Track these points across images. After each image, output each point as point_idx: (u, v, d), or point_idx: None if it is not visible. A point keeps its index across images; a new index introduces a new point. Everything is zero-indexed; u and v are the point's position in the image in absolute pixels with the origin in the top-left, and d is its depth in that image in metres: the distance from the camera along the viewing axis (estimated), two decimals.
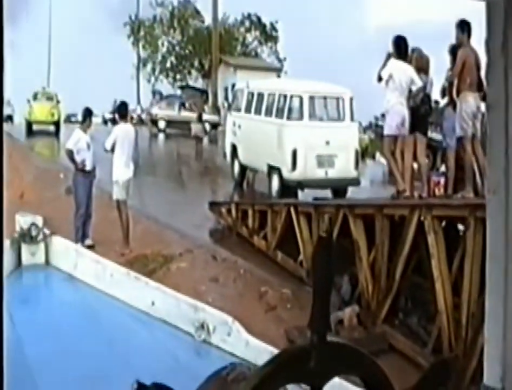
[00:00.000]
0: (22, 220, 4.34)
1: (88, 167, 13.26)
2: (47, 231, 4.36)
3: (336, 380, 1.65)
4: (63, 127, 36.84)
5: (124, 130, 13.35)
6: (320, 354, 1.48)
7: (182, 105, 41.06)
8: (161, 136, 37.51)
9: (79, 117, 18.67)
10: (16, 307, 3.92)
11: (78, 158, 13.24)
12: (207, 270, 11.87)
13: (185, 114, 38.65)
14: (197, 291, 9.58)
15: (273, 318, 10.44)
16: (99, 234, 13.19)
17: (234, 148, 20.74)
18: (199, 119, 28.77)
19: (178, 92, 56.24)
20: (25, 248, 4.29)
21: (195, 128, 28.06)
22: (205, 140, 29.57)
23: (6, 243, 4.26)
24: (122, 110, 14.36)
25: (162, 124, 38.97)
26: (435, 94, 11.73)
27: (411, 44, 11.06)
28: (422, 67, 10.91)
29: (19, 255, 4.31)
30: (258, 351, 3.29)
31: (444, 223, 9.24)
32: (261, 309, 10.61)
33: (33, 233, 4.33)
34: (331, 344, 1.54)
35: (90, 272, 4.11)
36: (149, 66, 62.96)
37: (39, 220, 4.38)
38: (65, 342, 3.41)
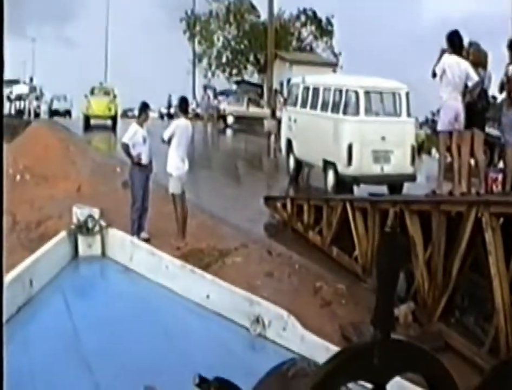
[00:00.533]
0: (79, 212, 4.36)
1: (144, 161, 13.35)
2: (103, 223, 4.36)
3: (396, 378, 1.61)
4: (119, 121, 37.23)
5: (183, 125, 13.43)
6: (383, 351, 1.44)
7: (249, 100, 41.46)
8: (229, 131, 37.67)
9: (136, 112, 18.91)
10: (72, 298, 3.94)
11: (133, 152, 13.36)
12: (261, 264, 11.85)
13: (254, 110, 39.00)
14: (252, 285, 9.56)
15: (328, 313, 10.39)
16: (155, 228, 13.27)
17: (289, 143, 20.73)
18: (273, 115, 28.81)
19: (234, 87, 56.48)
20: (81, 240, 4.31)
21: (268, 124, 28.10)
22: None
23: (63, 234, 4.30)
24: (183, 105, 14.42)
25: (230, 119, 39.23)
26: (494, 89, 11.53)
27: (469, 38, 10.91)
28: (480, 61, 10.72)
29: (76, 246, 4.32)
30: (314, 347, 3.25)
31: (501, 220, 9.07)
32: (316, 304, 10.57)
33: (90, 225, 4.34)
34: (395, 341, 1.50)
35: (145, 264, 4.11)
36: (205, 61, 63.35)
37: (95, 212, 4.39)
38: (121, 333, 3.41)
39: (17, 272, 3.79)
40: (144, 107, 14.21)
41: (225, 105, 41.01)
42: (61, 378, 3.06)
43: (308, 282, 11.34)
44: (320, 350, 3.11)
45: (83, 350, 3.21)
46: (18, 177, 23.60)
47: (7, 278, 3.70)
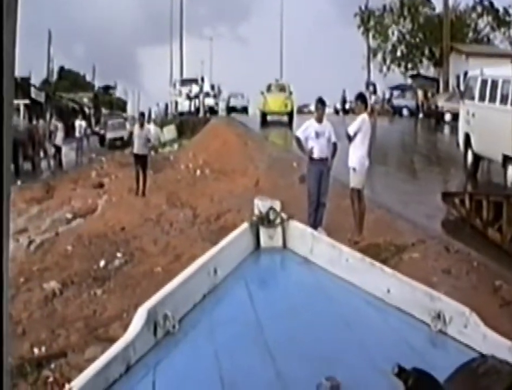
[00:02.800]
0: (261, 204, 4.46)
1: (315, 155, 13.45)
2: (284, 215, 4.44)
3: None
4: (295, 117, 37.59)
5: (367, 120, 13.41)
6: None
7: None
8: (446, 128, 37.04)
9: (311, 108, 18.96)
10: (254, 287, 4.04)
11: (306, 146, 13.52)
12: (439, 261, 11.63)
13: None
14: (429, 282, 9.39)
15: (508, 313, 10.05)
16: (332, 222, 13.32)
17: (467, 137, 20.21)
18: None
19: (409, 81, 55.68)
20: (263, 232, 4.41)
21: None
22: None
23: (245, 225, 4.41)
24: (363, 100, 14.38)
25: (448, 117, 38.56)
26: None
27: None
28: None
29: (258, 238, 4.43)
30: (497, 346, 3.16)
31: None
32: (495, 304, 10.24)
33: (271, 217, 4.43)
34: None
35: (325, 257, 4.15)
36: (379, 56, 62.79)
37: (277, 205, 4.48)
38: (302, 323, 3.46)
39: (202, 260, 3.93)
40: (319, 102, 14.29)
41: (442, 103, 40.42)
42: (245, 364, 3.14)
43: (487, 280, 11.02)
44: (503, 350, 3.02)
45: (265, 339, 3.28)
46: (198, 172, 24.39)
47: (193, 267, 3.85)
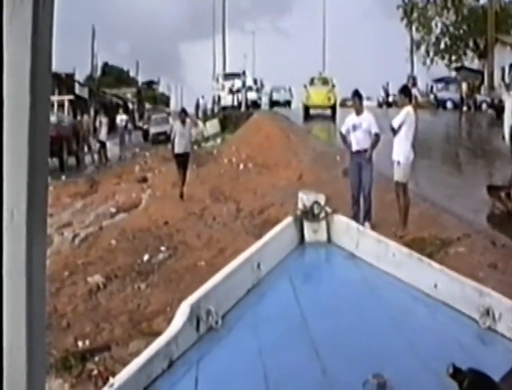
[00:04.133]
0: (305, 198, 4.42)
1: (352, 148, 13.46)
2: (329, 209, 4.39)
3: None
4: (338, 110, 37.43)
5: (412, 113, 13.27)
6: None
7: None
8: None
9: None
10: (299, 282, 4.00)
11: (347, 139, 13.58)
12: (485, 255, 11.46)
13: None
14: (476, 276, 9.25)
15: None
16: (376, 216, 13.22)
17: None
18: None
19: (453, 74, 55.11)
20: (307, 226, 4.36)
21: None
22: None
23: (289, 219, 4.36)
24: (406, 93, 14.24)
25: None
26: None
27: None
28: None
29: (302, 232, 4.38)
30: None
31: None
32: None
33: (316, 211, 4.38)
34: None
35: (371, 252, 4.08)
36: (423, 48, 62.28)
37: (321, 198, 4.43)
38: (348, 320, 3.42)
39: (246, 255, 3.89)
40: (355, 95, 14.20)
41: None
42: (290, 360, 3.10)
43: None
44: None
45: (310, 336, 3.24)
46: (241, 166, 24.41)
47: (237, 261, 3.82)
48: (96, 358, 9.28)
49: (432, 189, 16.66)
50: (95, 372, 8.87)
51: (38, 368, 1.25)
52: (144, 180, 25.20)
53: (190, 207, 18.06)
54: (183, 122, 20.33)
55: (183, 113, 21.49)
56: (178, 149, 19.82)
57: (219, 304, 3.38)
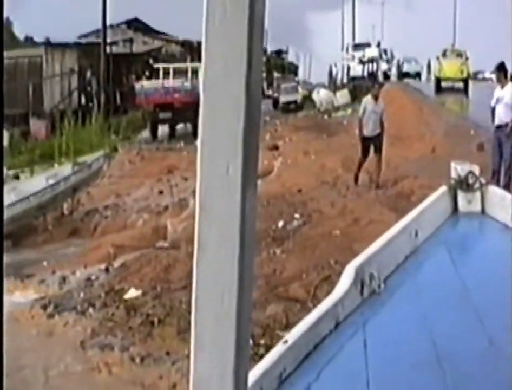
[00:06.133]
0: (459, 168, 4.45)
1: (495, 122, 13.20)
2: (483, 180, 4.42)
3: None
4: (470, 83, 36.60)
5: None
6: None
7: None
8: None
9: (486, 75, 18.15)
10: (454, 251, 4.06)
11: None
12: None
13: None
14: None
15: None
16: None
17: None
18: None
19: None
20: (461, 196, 4.39)
21: None
22: None
23: (443, 189, 4.40)
24: None
25: None
26: None
27: None
28: None
29: (455, 202, 4.42)
30: None
31: None
32: None
33: (470, 181, 4.41)
34: None
35: None
36: None
37: (476, 169, 4.46)
38: (507, 291, 3.42)
39: (404, 223, 3.98)
40: (499, 68, 13.88)
41: None
42: (455, 329, 3.13)
43: None
44: None
45: (471, 303, 3.28)
46: None
47: (396, 228, 3.91)
48: None
49: None
50: None
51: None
52: (275, 147, 25.40)
53: (323, 176, 18.14)
54: (376, 98, 16.82)
55: (375, 87, 17.91)
56: (366, 131, 16.62)
57: (380, 269, 3.46)
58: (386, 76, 53.95)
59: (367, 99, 16.94)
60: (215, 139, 1.30)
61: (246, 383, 1.42)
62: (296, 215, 13.86)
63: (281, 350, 2.71)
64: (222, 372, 1.34)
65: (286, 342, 2.81)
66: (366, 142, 16.50)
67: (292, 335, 2.90)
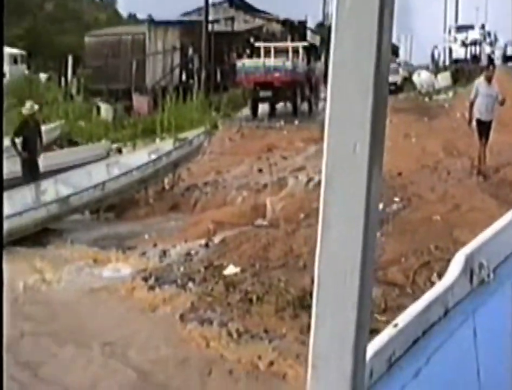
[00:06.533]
0: None
1: None
2: None
3: None
4: None
5: None
6: None
7: None
8: None
9: None
10: None
11: None
12: None
13: None
14: None
15: None
16: None
17: None
18: None
19: None
20: None
21: None
22: None
23: None
24: None
25: None
26: None
27: None
28: None
29: None
30: None
31: None
32: None
33: None
34: None
35: None
36: None
37: None
38: None
39: None
40: None
41: None
42: None
43: None
44: None
45: None
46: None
47: (505, 219, 3.82)
48: None
49: None
50: None
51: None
52: None
53: (423, 159, 17.91)
54: (489, 80, 16.00)
55: (489, 68, 17.13)
56: (480, 114, 15.82)
57: (489, 259, 3.41)
58: (490, 59, 52.66)
59: (480, 82, 16.35)
60: (343, 118, 1.32)
61: (364, 361, 1.44)
62: (396, 199, 13.74)
63: (391, 333, 2.71)
64: (341, 348, 1.37)
65: (396, 325, 2.80)
66: (479, 126, 15.92)
67: (402, 319, 2.89)
